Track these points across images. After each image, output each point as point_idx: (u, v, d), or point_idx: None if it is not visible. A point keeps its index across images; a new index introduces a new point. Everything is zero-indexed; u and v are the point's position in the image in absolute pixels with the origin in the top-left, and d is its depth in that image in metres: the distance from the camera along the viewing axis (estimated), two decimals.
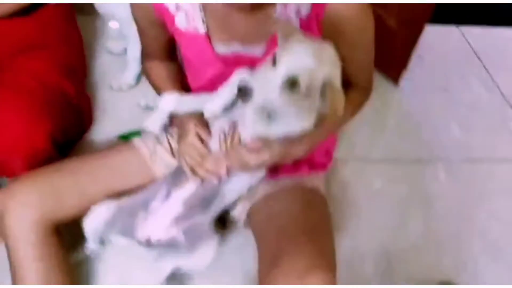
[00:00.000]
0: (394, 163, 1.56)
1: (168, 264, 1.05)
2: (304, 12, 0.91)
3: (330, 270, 0.89)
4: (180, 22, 0.97)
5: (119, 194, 1.06)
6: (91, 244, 1.04)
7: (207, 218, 1.05)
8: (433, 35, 2.02)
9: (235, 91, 0.92)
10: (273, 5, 0.92)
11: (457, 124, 1.72)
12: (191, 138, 0.98)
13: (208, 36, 0.96)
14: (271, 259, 0.93)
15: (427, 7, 1.59)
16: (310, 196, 1.07)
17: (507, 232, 1.40)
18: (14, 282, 1.02)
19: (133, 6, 1.03)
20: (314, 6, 0.90)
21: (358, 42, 0.96)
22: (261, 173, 1.04)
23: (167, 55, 1.13)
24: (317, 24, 0.92)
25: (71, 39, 1.44)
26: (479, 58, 2.03)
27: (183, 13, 0.97)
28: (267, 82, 0.85)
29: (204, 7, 0.95)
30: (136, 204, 1.03)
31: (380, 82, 1.81)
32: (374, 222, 1.37)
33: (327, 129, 0.99)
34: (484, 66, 1.99)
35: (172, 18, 0.98)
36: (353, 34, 0.93)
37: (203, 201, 1.03)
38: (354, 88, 1.02)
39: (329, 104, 0.85)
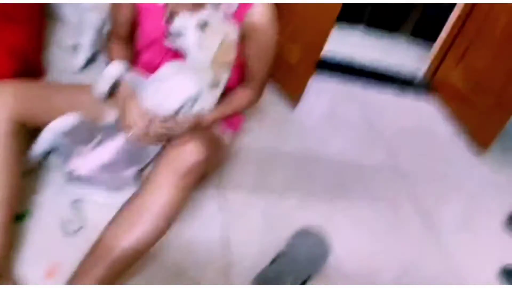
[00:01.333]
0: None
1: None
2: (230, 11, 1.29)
3: (200, 141, 1.20)
4: None
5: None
6: (37, 149, 1.24)
7: (132, 171, 1.33)
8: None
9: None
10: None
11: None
12: (135, 103, 1.25)
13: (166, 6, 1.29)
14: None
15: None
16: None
17: None
18: None
19: None
20: (239, 9, 1.28)
21: (264, 46, 1.36)
22: None
23: (129, 36, 1.41)
24: (238, 22, 1.29)
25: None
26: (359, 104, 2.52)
27: None
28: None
29: None
30: (80, 138, 1.27)
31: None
32: None
33: (222, 114, 1.38)
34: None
35: None
36: (261, 38, 1.33)
37: (130, 156, 1.31)
38: (247, 87, 1.43)
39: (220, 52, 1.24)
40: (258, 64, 1.40)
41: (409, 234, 1.78)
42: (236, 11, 1.29)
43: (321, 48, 2.08)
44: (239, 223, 1.55)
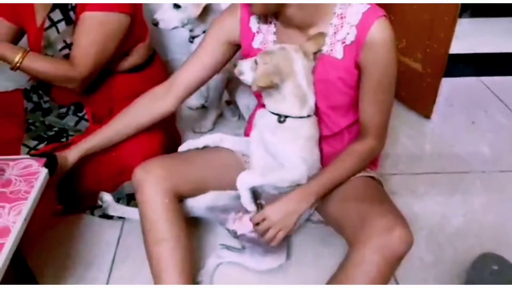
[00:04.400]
0: (435, 174, 1.82)
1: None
2: (350, 39, 1.12)
3: (408, 227, 1.05)
4: (257, 43, 1.25)
5: (222, 186, 1.31)
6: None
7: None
8: (457, 85, 2.39)
9: None
10: (325, 29, 1.14)
11: (485, 144, 1.97)
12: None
13: None
14: (357, 224, 1.09)
15: (444, 50, 1.92)
16: (368, 179, 1.27)
17: None
18: (146, 242, 1.22)
19: (221, 23, 1.28)
20: (359, 32, 1.10)
21: (383, 80, 1.14)
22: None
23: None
24: (357, 52, 1.12)
25: None
26: (499, 99, 2.31)
27: (261, 35, 1.25)
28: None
29: (277, 30, 1.22)
30: (228, 205, 1.31)
31: (412, 117, 2.14)
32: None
33: (334, 182, 1.19)
34: (505, 104, 2.27)
35: (251, 38, 1.25)
36: (380, 63, 1.12)
37: None
38: (364, 136, 1.22)
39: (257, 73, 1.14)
40: (377, 100, 1.18)
41: None
42: (354, 39, 1.11)
43: (446, 54, 1.93)
44: None
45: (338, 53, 1.15)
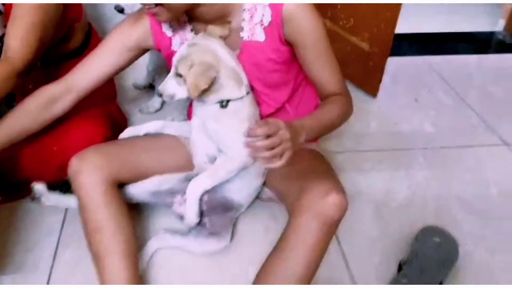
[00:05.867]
0: (380, 151, 1.87)
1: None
2: (266, 19, 1.13)
3: (343, 192, 1.08)
4: (176, 45, 1.23)
5: (164, 170, 1.31)
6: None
7: (226, 218, 1.35)
8: (402, 65, 2.45)
9: None
10: (240, 16, 1.15)
11: (428, 122, 2.04)
12: None
13: None
14: (295, 193, 1.12)
15: (391, 30, 1.95)
16: (311, 152, 1.31)
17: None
18: (86, 232, 1.20)
19: (128, 31, 1.23)
20: (273, 10, 1.11)
21: (318, 45, 1.16)
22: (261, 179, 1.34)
23: None
24: (278, 29, 1.14)
25: None
26: (441, 78, 2.39)
27: (178, 37, 1.23)
28: None
29: (194, 27, 1.21)
30: (174, 188, 1.31)
31: (359, 95, 2.17)
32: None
33: (319, 124, 1.14)
34: (448, 83, 2.34)
35: (169, 43, 1.23)
36: (308, 33, 1.13)
37: (220, 206, 1.32)
38: (339, 96, 1.21)
39: (189, 79, 1.10)
40: (326, 67, 1.21)
41: None
42: (271, 20, 1.14)
43: (392, 33, 1.96)
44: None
45: (260, 36, 1.15)
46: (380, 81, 2.11)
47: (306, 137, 1.07)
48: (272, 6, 1.12)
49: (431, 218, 1.52)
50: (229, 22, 1.17)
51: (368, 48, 2.05)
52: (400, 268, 1.35)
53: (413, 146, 1.90)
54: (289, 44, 1.17)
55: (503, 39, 2.72)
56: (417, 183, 1.71)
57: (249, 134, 0.95)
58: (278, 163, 0.97)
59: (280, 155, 0.96)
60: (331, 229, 1.09)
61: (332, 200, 1.05)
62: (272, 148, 0.95)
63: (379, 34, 1.98)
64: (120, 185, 1.28)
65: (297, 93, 1.32)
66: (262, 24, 1.14)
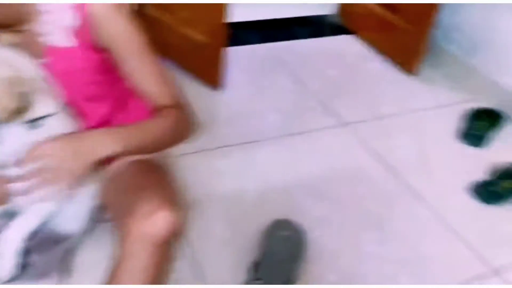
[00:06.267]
0: (229, 147, 1.83)
1: None
2: (71, 22, 0.99)
3: (172, 208, 0.98)
4: None
5: None
6: None
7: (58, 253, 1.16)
8: (244, 53, 2.43)
9: None
10: (35, 20, 0.99)
11: (274, 110, 2.05)
12: None
13: None
14: (123, 214, 1.00)
15: (222, 20, 1.89)
16: (141, 162, 1.15)
17: None
18: None
19: None
20: (78, 13, 0.98)
21: (134, 50, 1.03)
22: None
23: None
24: (87, 33, 0.99)
25: None
26: (284, 63, 2.42)
27: None
28: None
29: None
30: None
31: (202, 90, 2.09)
32: None
33: (142, 135, 1.02)
34: (290, 68, 2.38)
35: None
36: (120, 36, 1.01)
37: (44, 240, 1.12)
38: (171, 109, 1.07)
39: None
40: (147, 74, 1.07)
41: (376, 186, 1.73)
42: (79, 21, 0.98)
43: (224, 24, 1.92)
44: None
45: (67, 41, 1.00)
46: (220, 72, 2.06)
47: (125, 147, 0.97)
48: (76, 8, 0.97)
49: (282, 210, 1.52)
50: (21, 30, 0.99)
51: (204, 40, 1.98)
52: (255, 268, 1.33)
53: (261, 138, 1.90)
54: (103, 51, 1.03)
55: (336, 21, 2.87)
56: (266, 176, 1.70)
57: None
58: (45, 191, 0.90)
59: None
60: (163, 249, 0.99)
61: (158, 218, 0.96)
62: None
63: (212, 24, 1.93)
64: None
65: (124, 105, 1.17)
66: (67, 28, 0.99)
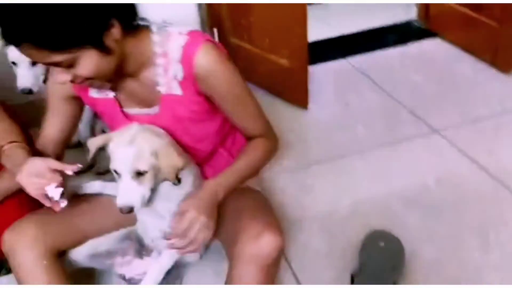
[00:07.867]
0: (319, 165, 1.88)
1: None
2: (180, 75, 1.09)
3: (278, 234, 1.08)
4: (93, 92, 1.18)
5: (103, 230, 1.26)
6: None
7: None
8: (327, 70, 2.48)
9: None
10: (152, 70, 1.10)
11: (360, 124, 2.07)
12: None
13: (117, 99, 1.17)
14: (231, 240, 1.12)
15: (303, 42, 1.98)
16: (244, 191, 1.27)
17: None
18: None
19: (50, 82, 1.23)
20: (185, 67, 1.07)
21: (234, 95, 1.14)
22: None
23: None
24: (193, 84, 1.10)
25: None
26: (366, 76, 2.43)
27: None
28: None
29: None
30: (111, 249, 1.26)
31: (290, 110, 2.18)
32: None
33: (239, 175, 1.17)
34: (372, 80, 2.39)
35: (85, 90, 1.18)
36: (222, 87, 1.11)
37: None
38: (262, 139, 1.22)
39: (164, 165, 1.05)
40: (241, 113, 1.19)
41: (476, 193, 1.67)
42: (184, 74, 1.09)
43: (305, 45, 1.99)
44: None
45: (176, 89, 1.11)
46: (306, 92, 2.13)
47: (225, 194, 1.13)
48: (184, 63, 1.08)
49: (376, 222, 1.54)
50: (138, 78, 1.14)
51: (288, 64, 2.07)
52: (352, 280, 1.36)
53: (350, 151, 1.93)
54: (206, 95, 1.14)
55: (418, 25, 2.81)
56: (358, 189, 1.73)
57: (168, 237, 1.09)
58: (195, 246, 1.07)
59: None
60: (271, 269, 1.08)
61: (265, 241, 1.06)
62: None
63: (294, 48, 2.01)
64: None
65: (229, 136, 1.30)
66: (176, 79, 1.10)
